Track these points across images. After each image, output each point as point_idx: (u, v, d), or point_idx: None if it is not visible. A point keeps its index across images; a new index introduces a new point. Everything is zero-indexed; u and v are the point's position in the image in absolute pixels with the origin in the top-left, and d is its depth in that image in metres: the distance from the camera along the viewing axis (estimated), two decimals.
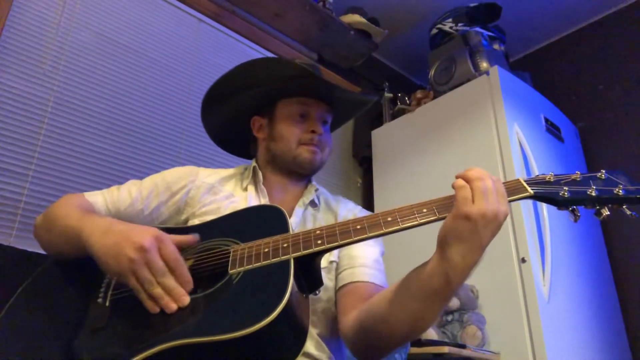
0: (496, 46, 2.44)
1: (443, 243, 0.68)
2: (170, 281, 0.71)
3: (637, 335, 2.17)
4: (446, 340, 1.75)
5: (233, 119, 1.15)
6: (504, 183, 0.71)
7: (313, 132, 1.05)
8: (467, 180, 0.67)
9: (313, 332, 0.93)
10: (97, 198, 1.00)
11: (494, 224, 0.66)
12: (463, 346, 1.64)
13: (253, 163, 1.12)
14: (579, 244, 2.11)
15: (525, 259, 1.78)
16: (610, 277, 2.27)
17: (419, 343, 1.56)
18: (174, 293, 0.70)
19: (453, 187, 0.68)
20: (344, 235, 0.73)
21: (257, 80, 1.07)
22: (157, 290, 0.70)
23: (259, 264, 0.73)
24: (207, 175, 1.08)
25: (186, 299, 0.71)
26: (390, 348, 0.86)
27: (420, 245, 1.97)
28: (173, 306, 0.70)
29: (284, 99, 1.09)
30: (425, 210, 0.72)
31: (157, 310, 0.70)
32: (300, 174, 1.08)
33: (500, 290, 1.80)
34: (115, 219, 0.83)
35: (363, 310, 0.84)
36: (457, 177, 0.68)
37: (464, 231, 0.65)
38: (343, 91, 1.10)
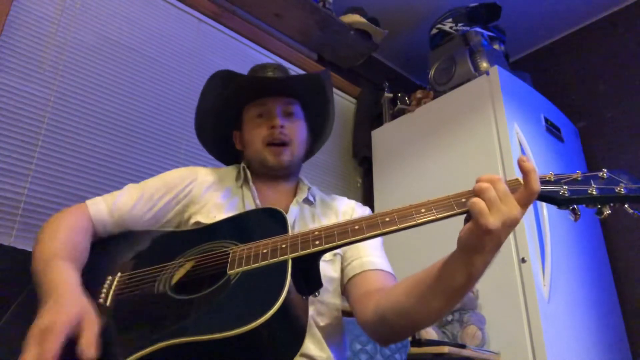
0: (496, 46, 2.44)
1: (464, 249, 0.69)
2: None
3: (637, 336, 2.17)
4: (446, 340, 1.75)
5: (221, 139, 1.20)
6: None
7: (272, 127, 1.07)
8: (478, 193, 0.67)
9: (316, 327, 0.94)
10: (100, 207, 1.00)
11: (513, 226, 0.67)
12: (463, 346, 1.64)
13: (243, 164, 1.14)
14: (579, 244, 2.11)
15: (525, 259, 1.78)
16: (610, 277, 2.28)
17: (419, 343, 1.56)
18: None
19: (469, 204, 0.68)
20: (342, 235, 0.73)
21: (217, 98, 1.13)
22: None
23: (257, 264, 0.73)
24: (206, 174, 1.10)
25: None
26: (410, 334, 0.91)
27: (421, 244, 1.97)
28: None
29: (246, 106, 1.13)
30: (423, 210, 0.72)
31: None
32: (278, 175, 1.10)
33: (500, 290, 1.80)
34: (58, 288, 0.75)
35: (382, 304, 0.86)
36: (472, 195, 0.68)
37: (485, 241, 0.66)
38: (290, 78, 1.13)
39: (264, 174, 1.10)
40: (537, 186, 0.67)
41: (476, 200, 0.66)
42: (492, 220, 0.64)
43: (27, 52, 1.66)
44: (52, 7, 1.76)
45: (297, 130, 1.11)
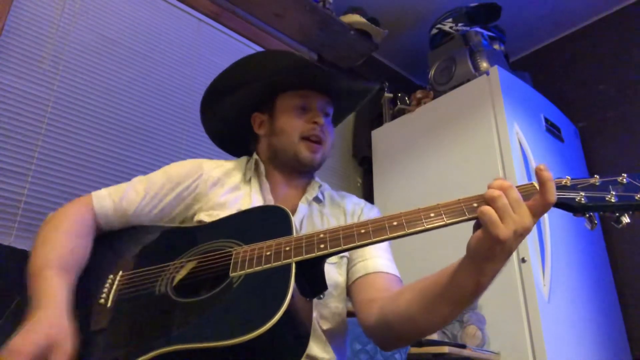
0: (496, 46, 2.44)
1: (474, 256, 0.67)
2: None
3: (636, 335, 2.17)
4: (446, 340, 1.75)
5: (233, 117, 1.15)
6: (517, 187, 0.67)
7: (315, 122, 1.04)
8: (489, 201, 0.64)
9: (320, 329, 0.93)
10: (105, 202, 0.99)
11: (524, 235, 0.65)
12: (463, 346, 1.64)
13: (255, 156, 1.11)
14: (579, 244, 2.11)
15: (525, 259, 1.78)
16: (610, 277, 2.28)
17: (419, 343, 1.56)
18: None
19: (479, 212, 0.65)
20: (348, 239, 0.71)
21: (255, 75, 1.07)
22: None
23: (260, 267, 0.72)
24: (212, 169, 1.07)
25: None
26: (414, 340, 0.89)
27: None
28: None
29: (284, 93, 1.08)
30: (432, 215, 0.69)
31: None
32: (302, 171, 1.08)
33: (500, 290, 1.80)
34: (42, 307, 0.75)
35: (387, 307, 0.84)
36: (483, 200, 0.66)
37: (497, 252, 0.65)
38: (343, 79, 1.10)
39: (287, 165, 1.06)
40: (553, 197, 0.63)
41: (486, 208, 0.64)
42: (503, 230, 0.62)
43: (27, 52, 1.66)
44: (52, 7, 1.76)
45: (330, 133, 1.10)
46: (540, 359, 1.64)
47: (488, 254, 0.66)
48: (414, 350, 1.55)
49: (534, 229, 1.85)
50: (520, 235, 0.64)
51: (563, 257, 1.94)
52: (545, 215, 1.90)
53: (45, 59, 1.70)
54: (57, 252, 0.84)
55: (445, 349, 1.55)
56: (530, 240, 1.81)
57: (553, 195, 0.64)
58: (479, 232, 0.66)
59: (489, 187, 0.66)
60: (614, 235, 2.36)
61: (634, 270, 2.28)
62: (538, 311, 1.68)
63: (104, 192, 1.01)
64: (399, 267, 1.01)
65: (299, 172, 1.08)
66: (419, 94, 2.56)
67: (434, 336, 1.70)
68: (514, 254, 1.80)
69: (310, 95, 1.07)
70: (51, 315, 0.71)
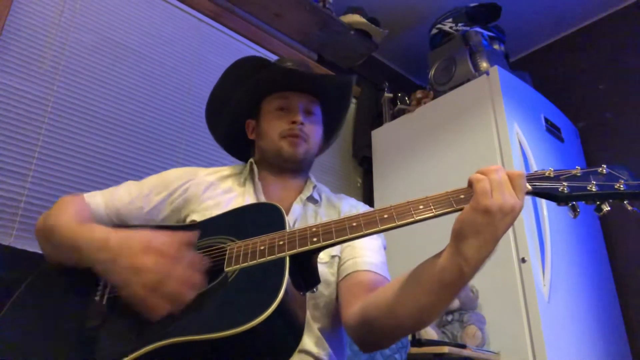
0: (496, 46, 2.44)
1: (458, 236, 0.68)
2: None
3: (636, 335, 2.17)
4: (446, 340, 1.76)
5: (232, 126, 1.18)
6: None
7: (293, 122, 1.06)
8: (485, 173, 0.68)
9: (314, 327, 0.93)
10: (97, 199, 1.00)
11: (511, 216, 0.66)
12: (463, 346, 1.64)
13: (250, 159, 1.13)
14: (579, 244, 2.11)
15: (525, 259, 1.78)
16: (610, 277, 2.27)
17: (419, 343, 1.56)
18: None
19: (470, 180, 0.68)
20: (340, 232, 0.73)
21: (240, 84, 1.11)
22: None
23: (255, 261, 0.73)
24: (206, 174, 1.09)
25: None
26: (394, 339, 0.87)
27: (421, 241, 1.97)
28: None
29: (267, 97, 1.11)
30: (421, 207, 0.71)
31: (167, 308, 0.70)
32: (290, 168, 1.09)
33: (500, 290, 1.80)
34: (110, 228, 0.82)
35: (368, 301, 0.83)
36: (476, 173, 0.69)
37: (481, 224, 0.65)
38: (316, 77, 1.11)
39: (275, 165, 1.08)
40: (514, 170, 0.69)
41: (482, 177, 0.67)
42: (491, 201, 0.65)
43: (27, 52, 1.66)
44: (52, 7, 1.76)
45: (314, 131, 1.10)
46: (540, 359, 1.63)
47: (471, 229, 0.66)
48: (414, 350, 1.55)
49: (534, 229, 1.86)
50: (506, 214, 0.65)
51: (563, 257, 1.94)
52: (545, 215, 1.91)
53: (45, 59, 1.70)
54: (81, 218, 0.90)
55: (445, 349, 1.56)
56: (530, 240, 1.81)
57: (512, 170, 0.69)
58: (465, 207, 0.68)
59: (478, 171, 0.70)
60: (614, 236, 2.36)
61: (634, 270, 2.28)
62: (538, 311, 1.68)
63: (94, 192, 1.03)
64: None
65: (288, 170, 1.09)
66: (419, 94, 2.56)
67: (434, 336, 1.70)
68: (514, 253, 1.81)
69: (290, 96, 1.09)
70: (121, 233, 0.77)
